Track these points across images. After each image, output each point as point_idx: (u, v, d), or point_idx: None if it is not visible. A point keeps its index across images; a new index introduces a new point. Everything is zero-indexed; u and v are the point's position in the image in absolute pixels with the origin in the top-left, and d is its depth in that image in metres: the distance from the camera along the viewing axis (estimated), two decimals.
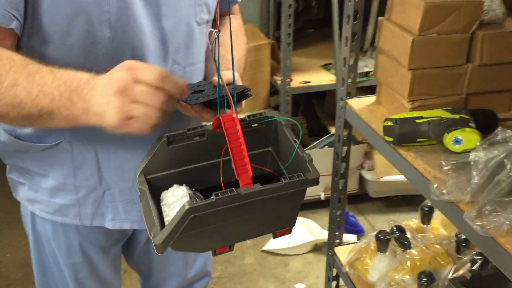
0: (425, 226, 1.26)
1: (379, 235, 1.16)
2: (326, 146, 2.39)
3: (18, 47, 0.89)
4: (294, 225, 0.86)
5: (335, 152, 1.22)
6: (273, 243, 2.40)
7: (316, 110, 2.77)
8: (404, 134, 0.94)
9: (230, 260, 2.33)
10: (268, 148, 0.95)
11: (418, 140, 0.95)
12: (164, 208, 0.85)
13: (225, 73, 1.00)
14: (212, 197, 0.73)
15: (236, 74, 1.01)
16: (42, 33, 0.86)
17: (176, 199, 0.85)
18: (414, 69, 0.99)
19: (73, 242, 1.12)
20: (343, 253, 1.30)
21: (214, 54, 0.84)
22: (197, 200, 0.85)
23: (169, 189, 0.87)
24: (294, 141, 0.87)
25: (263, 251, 2.40)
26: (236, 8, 1.27)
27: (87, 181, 1.02)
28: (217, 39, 0.81)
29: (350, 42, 1.08)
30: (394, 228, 1.17)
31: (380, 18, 1.06)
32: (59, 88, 0.79)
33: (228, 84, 1.00)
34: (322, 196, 2.44)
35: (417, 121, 0.94)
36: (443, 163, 0.79)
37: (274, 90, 2.48)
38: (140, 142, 0.98)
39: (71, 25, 0.86)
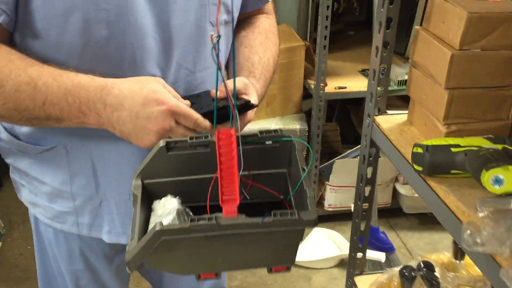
0: (458, 262, 1.12)
1: (404, 271, 1.03)
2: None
3: (12, 44, 0.84)
4: (292, 263, 0.77)
5: (358, 173, 1.09)
6: (297, 254, 2.29)
7: (351, 116, 2.63)
8: (435, 164, 0.81)
9: (251, 270, 2.24)
10: (283, 169, 0.86)
11: (453, 172, 0.82)
12: (152, 219, 0.78)
13: (227, 83, 0.91)
14: (187, 222, 0.66)
15: (242, 82, 0.91)
16: (35, 29, 0.81)
17: (164, 212, 0.78)
18: (452, 89, 0.86)
19: (74, 248, 1.09)
20: (364, 284, 1.17)
21: (220, 63, 0.75)
22: (185, 218, 0.77)
23: (162, 200, 0.81)
24: (303, 169, 0.76)
25: None
26: (269, 7, 1.17)
27: (84, 189, 0.98)
28: (216, 45, 0.71)
29: (380, 52, 0.96)
30: (422, 264, 1.04)
31: (416, 27, 0.93)
32: (66, 98, 0.79)
33: (240, 95, 0.91)
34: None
35: (452, 149, 0.81)
36: (479, 208, 0.66)
37: (307, 94, 2.36)
38: (138, 153, 0.93)
39: (66, 23, 0.80)
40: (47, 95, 0.79)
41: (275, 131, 0.82)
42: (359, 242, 1.15)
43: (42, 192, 1.01)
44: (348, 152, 2.37)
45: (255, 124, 2.23)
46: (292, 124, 2.26)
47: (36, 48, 0.83)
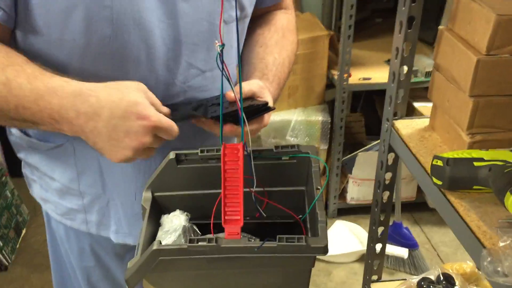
0: (480, 273, 1.06)
1: (422, 283, 0.98)
2: None
3: (14, 41, 0.82)
4: None
5: (376, 179, 1.04)
6: None
7: (376, 106, 2.55)
8: (456, 179, 0.76)
9: None
10: (301, 187, 0.81)
11: (475, 187, 0.76)
12: (159, 234, 0.77)
13: (243, 86, 0.86)
14: (184, 243, 0.64)
15: (258, 85, 0.87)
16: (36, 26, 0.79)
17: (171, 228, 0.76)
18: (476, 96, 0.79)
19: (85, 245, 1.08)
20: None
21: (228, 71, 0.71)
22: (192, 235, 0.74)
23: (170, 214, 0.79)
24: (317, 189, 0.72)
25: None
26: (287, 2, 1.12)
27: (91, 187, 0.97)
28: (220, 53, 0.67)
29: (405, 28, 0.84)
30: (441, 276, 0.99)
31: (440, 27, 0.86)
32: (38, 103, 0.74)
33: (251, 98, 0.87)
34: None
35: (475, 164, 0.75)
36: (501, 235, 0.60)
37: (331, 83, 2.29)
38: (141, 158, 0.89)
39: (68, 20, 0.77)
40: (20, 98, 0.75)
41: (292, 146, 0.78)
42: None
43: (52, 188, 1.00)
44: (372, 144, 2.30)
45: (276, 115, 2.18)
46: (315, 116, 2.21)
47: (38, 45, 0.81)
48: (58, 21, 0.77)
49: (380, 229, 1.09)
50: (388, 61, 2.27)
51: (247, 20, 0.99)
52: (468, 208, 0.75)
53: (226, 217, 0.66)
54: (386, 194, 1.05)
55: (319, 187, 0.72)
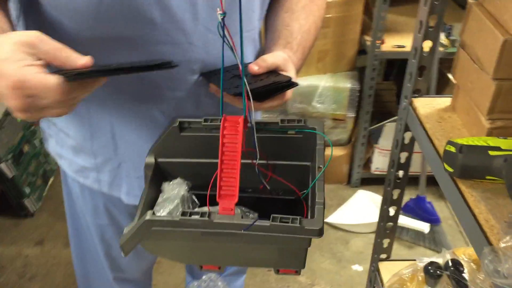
0: None
1: (429, 268, 0.95)
2: None
3: None
4: (301, 268, 0.71)
5: (390, 158, 1.00)
6: (337, 216, 2.24)
7: None
8: (468, 167, 0.71)
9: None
10: (307, 162, 0.79)
11: (488, 177, 0.71)
12: (159, 201, 0.76)
13: (266, 58, 0.83)
14: (177, 215, 0.63)
15: (282, 58, 0.84)
16: None
17: (171, 195, 0.76)
18: (500, 79, 0.73)
19: (99, 204, 1.10)
20: (388, 272, 1.11)
21: (233, 43, 0.68)
22: (190, 205, 0.73)
23: (171, 182, 0.78)
24: (319, 168, 0.69)
25: (325, 222, 2.24)
26: None
27: (103, 148, 0.97)
28: (223, 22, 0.63)
29: (430, 2, 0.79)
30: (450, 262, 0.95)
31: (470, 1, 0.80)
32: None
33: (274, 72, 0.83)
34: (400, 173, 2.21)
35: (491, 153, 0.70)
36: (504, 234, 0.56)
37: (363, 49, 2.21)
38: (157, 119, 0.91)
39: None
40: None
41: (299, 120, 0.75)
42: (388, 212, 1.05)
43: (67, 145, 1.01)
44: None
45: (303, 80, 2.13)
46: (343, 82, 2.14)
47: (55, 3, 0.78)
48: None
49: (393, 209, 1.05)
50: None
51: None
52: (479, 199, 0.70)
53: (221, 192, 0.65)
54: (401, 173, 1.01)
55: (321, 166, 0.69)
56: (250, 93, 0.81)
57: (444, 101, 0.91)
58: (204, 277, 1.30)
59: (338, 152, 2.33)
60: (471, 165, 0.71)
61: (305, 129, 0.76)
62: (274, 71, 0.85)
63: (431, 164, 0.82)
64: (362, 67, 2.24)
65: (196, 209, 0.72)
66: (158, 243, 0.70)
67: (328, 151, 0.76)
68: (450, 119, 0.87)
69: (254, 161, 0.74)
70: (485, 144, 0.71)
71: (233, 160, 0.66)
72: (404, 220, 2.11)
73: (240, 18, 0.64)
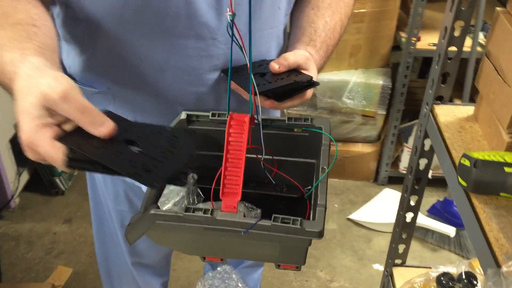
0: None
1: (442, 279, 0.94)
2: None
3: None
4: (302, 264, 0.71)
5: (409, 164, 0.98)
6: (361, 214, 2.22)
7: None
8: (482, 183, 0.69)
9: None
10: (313, 160, 0.79)
11: (502, 194, 0.69)
12: (165, 192, 0.77)
13: (288, 57, 0.83)
14: (180, 211, 0.63)
15: (304, 56, 0.85)
16: None
17: (176, 188, 0.77)
18: None
19: (120, 190, 1.13)
20: (401, 277, 1.09)
21: (243, 44, 0.68)
22: (195, 198, 0.75)
23: None
24: (323, 169, 0.69)
25: (348, 219, 2.23)
26: None
27: None
28: (232, 23, 0.63)
29: (457, 4, 0.76)
30: (463, 274, 0.93)
31: (498, 8, 0.76)
32: None
33: (295, 71, 0.83)
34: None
35: (506, 169, 0.68)
36: (505, 257, 0.54)
37: (398, 45, 2.16)
38: (174, 110, 0.90)
39: None
40: None
41: (306, 119, 0.74)
42: (404, 218, 1.03)
43: None
44: None
45: (335, 75, 2.10)
46: (375, 79, 2.10)
47: None
48: None
49: (409, 215, 1.03)
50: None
51: None
52: (491, 216, 0.68)
53: (224, 190, 0.65)
54: (419, 180, 0.99)
55: (325, 167, 0.68)
56: (269, 93, 0.82)
57: (467, 110, 0.88)
58: (219, 268, 1.31)
59: (366, 149, 2.30)
60: (485, 180, 0.69)
61: (311, 128, 0.76)
62: (295, 70, 0.85)
63: (446, 175, 0.80)
64: (396, 63, 2.20)
65: (200, 205, 0.72)
66: (162, 234, 0.71)
67: (335, 150, 0.75)
68: (471, 129, 0.84)
69: (260, 156, 0.74)
70: (501, 160, 0.69)
71: (237, 159, 0.66)
72: (430, 222, 2.07)
73: (249, 18, 0.63)
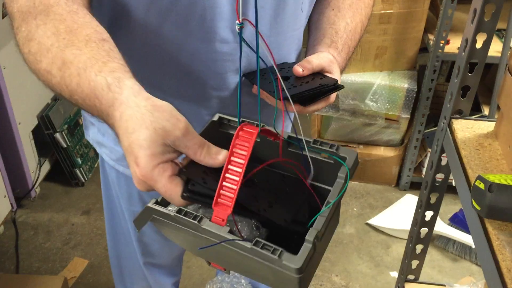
0: None
1: None
2: None
3: None
4: None
5: (424, 179, 0.94)
6: (380, 219, 2.18)
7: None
8: (496, 208, 0.65)
9: None
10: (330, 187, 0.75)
11: None
12: None
13: (312, 60, 0.81)
14: (172, 211, 0.62)
15: (328, 59, 0.83)
16: None
17: None
18: None
19: (133, 191, 1.12)
20: None
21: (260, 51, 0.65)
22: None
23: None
24: (328, 202, 0.65)
25: (367, 224, 2.19)
26: None
27: None
28: (240, 31, 0.60)
29: (479, 14, 0.72)
30: None
31: None
32: (85, 101, 0.67)
33: (319, 74, 0.83)
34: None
35: None
36: None
37: (425, 47, 2.10)
38: (202, 117, 0.92)
39: None
40: (72, 91, 0.68)
41: (332, 146, 0.70)
42: (419, 234, 0.98)
43: (109, 133, 1.03)
44: None
45: (358, 76, 2.05)
46: (400, 82, 2.05)
47: None
48: None
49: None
50: (497, 31, 2.02)
51: None
52: (505, 244, 0.64)
53: (218, 200, 0.62)
54: (435, 196, 0.95)
55: (330, 200, 0.64)
56: (295, 97, 0.79)
57: (487, 126, 0.84)
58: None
59: (389, 153, 2.24)
60: (500, 206, 0.65)
61: (334, 156, 0.71)
62: (319, 73, 0.83)
63: (460, 195, 0.76)
64: (423, 65, 2.14)
65: (201, 210, 0.70)
66: (165, 229, 0.70)
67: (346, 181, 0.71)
68: (490, 147, 0.80)
69: (306, 180, 0.71)
70: None
71: (237, 172, 0.63)
72: (451, 232, 2.01)
73: (256, 21, 0.60)
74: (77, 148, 2.28)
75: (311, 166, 0.71)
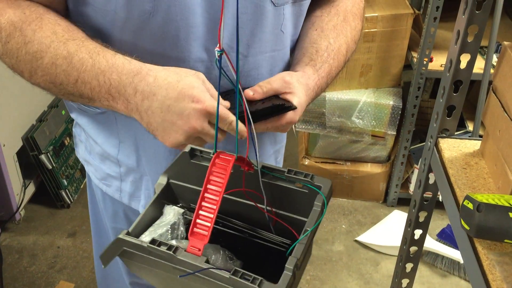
0: None
1: None
2: None
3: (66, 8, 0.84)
4: None
5: (412, 198, 0.94)
6: (369, 236, 2.18)
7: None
8: (485, 228, 0.65)
9: (317, 242, 2.17)
10: (305, 218, 0.75)
11: (507, 241, 0.65)
12: (156, 222, 0.74)
13: (263, 84, 0.81)
14: (145, 242, 0.61)
15: (282, 80, 0.83)
16: None
17: (166, 219, 0.74)
18: None
19: (119, 210, 1.12)
20: None
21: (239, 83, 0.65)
22: (179, 234, 0.72)
23: (171, 206, 0.76)
24: (305, 231, 0.64)
25: (356, 241, 2.18)
26: None
27: (127, 158, 0.98)
28: (220, 58, 0.60)
29: (463, 34, 0.72)
30: None
31: (505, 43, 0.73)
32: (98, 78, 0.76)
33: (275, 96, 0.81)
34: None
35: (511, 215, 0.64)
36: None
37: (409, 65, 2.12)
38: None
39: None
40: (80, 72, 0.76)
41: (307, 175, 0.70)
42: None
43: (95, 152, 1.03)
44: None
45: (344, 94, 2.07)
46: (386, 99, 2.07)
47: (86, 13, 0.82)
48: None
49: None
50: (480, 48, 2.05)
51: (306, 4, 0.92)
52: (494, 263, 0.64)
53: (194, 229, 0.62)
54: (424, 214, 0.95)
55: (308, 229, 0.64)
56: (247, 119, 0.79)
57: (473, 145, 0.85)
58: None
59: (376, 169, 2.25)
60: (488, 226, 0.65)
61: (309, 185, 0.71)
62: (274, 96, 0.83)
63: (449, 214, 0.76)
64: (408, 82, 2.16)
65: (173, 241, 0.69)
66: (138, 264, 0.69)
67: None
68: (477, 165, 0.81)
69: (260, 206, 0.71)
70: (506, 204, 0.65)
71: (214, 200, 0.63)
72: (439, 247, 2.02)
73: (237, 44, 0.60)
74: (62, 169, 2.25)
75: (264, 193, 0.70)
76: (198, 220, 0.60)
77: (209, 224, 0.60)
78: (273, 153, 1.06)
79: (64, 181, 2.25)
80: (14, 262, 2.02)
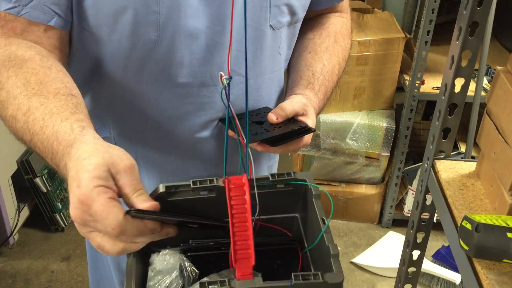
0: None
1: None
2: None
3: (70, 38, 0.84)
4: None
5: (410, 219, 0.95)
6: (365, 257, 2.18)
7: None
8: (484, 248, 0.67)
9: None
10: (295, 214, 0.77)
11: (505, 261, 0.66)
12: (151, 274, 0.70)
13: (285, 107, 0.83)
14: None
15: (301, 103, 0.86)
16: (87, 26, 0.81)
17: (165, 267, 0.70)
18: None
19: None
20: None
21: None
22: (190, 275, 0.70)
23: (161, 253, 0.71)
24: (323, 220, 0.66)
25: (351, 263, 2.18)
26: (343, 5, 1.06)
27: None
28: (228, 87, 0.62)
29: (463, 37, 0.74)
30: None
31: (498, 68, 0.75)
32: (43, 143, 0.68)
33: (292, 118, 0.85)
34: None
35: (509, 235, 0.65)
36: None
37: (401, 87, 2.16)
38: (176, 163, 0.94)
39: (116, 23, 0.78)
40: (33, 134, 0.69)
41: (288, 174, 0.72)
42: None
43: None
44: None
45: (338, 116, 2.10)
46: (379, 121, 2.09)
47: (89, 43, 0.83)
48: (108, 22, 0.79)
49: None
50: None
51: (299, 25, 0.95)
52: (494, 283, 0.66)
53: (236, 256, 0.61)
54: (421, 234, 0.96)
55: (324, 217, 0.66)
56: (264, 142, 0.81)
57: (469, 166, 0.86)
58: None
59: (370, 190, 2.27)
60: (487, 246, 0.66)
61: (296, 182, 0.72)
62: (292, 118, 0.85)
63: (447, 235, 0.77)
64: (400, 104, 2.19)
65: (205, 279, 0.68)
66: None
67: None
68: (473, 187, 0.82)
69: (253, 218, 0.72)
70: (504, 224, 0.67)
71: (244, 222, 0.64)
72: (435, 269, 2.02)
73: (245, 69, 0.62)
74: (57, 192, 2.24)
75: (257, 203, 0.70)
76: (236, 248, 0.61)
77: (249, 246, 0.60)
78: (267, 168, 1.08)
79: (59, 204, 2.24)
80: (8, 287, 2.00)
